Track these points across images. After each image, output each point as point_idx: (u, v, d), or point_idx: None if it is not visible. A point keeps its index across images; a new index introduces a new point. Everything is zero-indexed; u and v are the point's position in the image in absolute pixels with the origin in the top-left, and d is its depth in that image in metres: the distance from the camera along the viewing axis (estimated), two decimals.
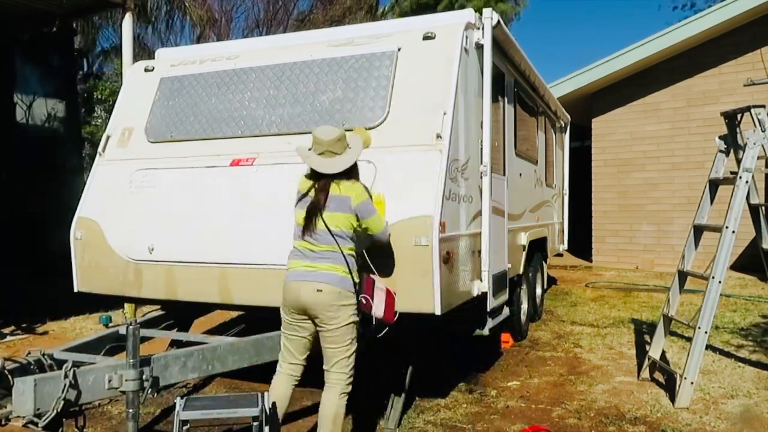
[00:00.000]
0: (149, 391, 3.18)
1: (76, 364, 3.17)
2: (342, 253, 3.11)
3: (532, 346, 5.91)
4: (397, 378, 4.02)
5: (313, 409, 4.24)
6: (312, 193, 3.14)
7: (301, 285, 3.10)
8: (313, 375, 4.73)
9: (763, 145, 4.38)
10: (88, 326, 6.84)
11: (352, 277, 3.14)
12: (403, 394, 3.97)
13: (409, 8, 21.79)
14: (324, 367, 3.19)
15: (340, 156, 3.15)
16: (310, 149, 3.21)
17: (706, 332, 4.22)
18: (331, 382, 3.16)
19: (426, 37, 4.00)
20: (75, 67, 10.97)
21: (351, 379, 3.19)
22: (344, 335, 3.13)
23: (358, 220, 3.16)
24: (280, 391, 3.25)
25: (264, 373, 4.11)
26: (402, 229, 3.53)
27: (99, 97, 8.97)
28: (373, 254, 3.56)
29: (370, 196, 3.24)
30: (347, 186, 3.14)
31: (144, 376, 3.09)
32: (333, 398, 3.14)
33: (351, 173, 3.20)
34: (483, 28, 4.21)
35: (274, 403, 3.05)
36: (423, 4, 21.29)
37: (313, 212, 3.10)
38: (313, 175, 3.19)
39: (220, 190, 4.13)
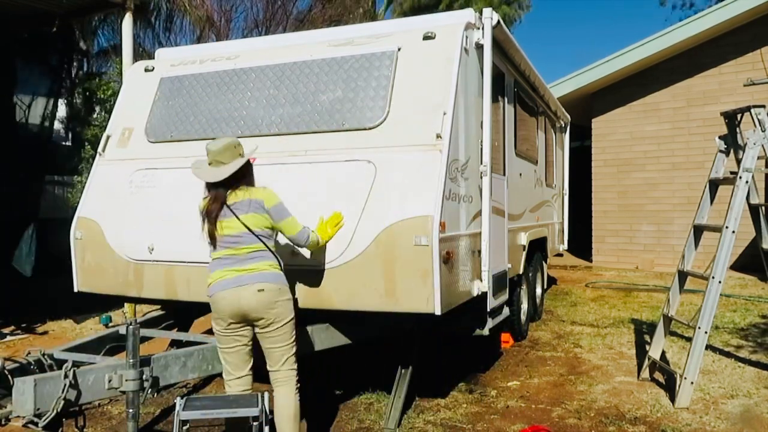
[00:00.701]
0: (149, 391, 3.18)
1: (76, 364, 3.17)
2: (269, 249, 3.15)
3: (532, 346, 5.91)
4: (397, 378, 4.02)
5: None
6: (211, 205, 3.13)
7: (239, 290, 3.06)
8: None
9: (763, 145, 4.38)
10: (88, 326, 6.85)
11: (283, 272, 3.19)
12: (403, 394, 3.97)
13: (410, 8, 21.81)
14: (271, 368, 3.18)
15: (226, 165, 3.14)
16: (208, 162, 3.22)
17: (706, 332, 4.22)
18: (282, 381, 3.16)
19: (426, 37, 4.00)
20: (75, 67, 10.98)
21: (297, 373, 3.21)
22: (289, 331, 3.16)
23: (272, 222, 3.19)
24: None
25: (264, 373, 4.10)
26: (402, 229, 3.53)
27: (101, 96, 8.96)
28: (372, 254, 3.57)
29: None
30: (255, 190, 3.18)
31: (144, 376, 3.10)
32: (290, 396, 3.14)
33: (244, 180, 3.19)
34: (483, 28, 4.21)
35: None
36: (424, 4, 21.31)
37: (220, 218, 3.09)
38: (211, 189, 3.19)
39: None
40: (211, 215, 3.12)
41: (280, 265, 3.20)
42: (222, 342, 3.19)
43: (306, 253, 3.63)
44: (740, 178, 4.38)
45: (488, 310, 4.32)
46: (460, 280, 3.88)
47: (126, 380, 3.04)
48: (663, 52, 10.73)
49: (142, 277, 4.26)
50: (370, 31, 4.42)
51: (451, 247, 3.70)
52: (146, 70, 4.89)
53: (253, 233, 3.12)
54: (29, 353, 3.50)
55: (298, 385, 3.20)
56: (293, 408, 3.14)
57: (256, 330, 3.16)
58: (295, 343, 3.21)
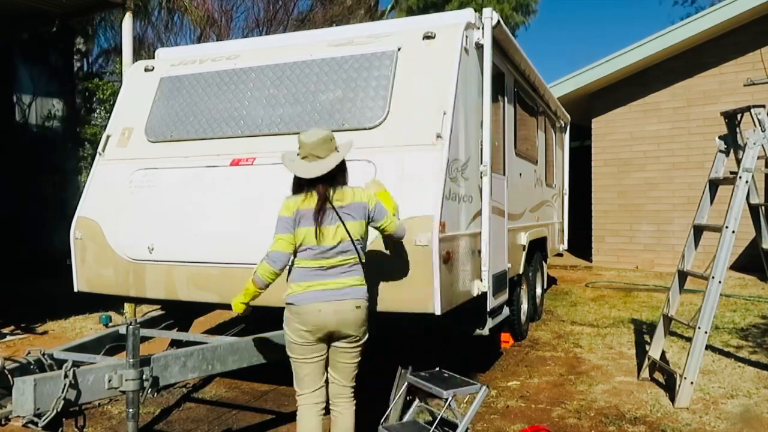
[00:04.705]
0: (149, 391, 3.17)
1: (76, 364, 3.16)
2: (361, 261, 3.03)
3: (532, 346, 5.90)
4: (397, 378, 4.01)
5: None
6: (316, 206, 2.91)
7: (340, 304, 2.92)
8: None
9: (763, 145, 4.38)
10: (88, 326, 6.84)
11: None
12: (403, 394, 3.96)
13: (415, 6, 21.75)
14: (340, 383, 3.11)
15: (323, 160, 2.94)
16: (297, 154, 3.03)
17: (706, 332, 4.22)
18: (347, 397, 3.13)
19: (426, 37, 4.00)
20: (74, 67, 10.98)
21: None
22: (364, 348, 3.13)
23: (371, 225, 3.09)
24: (310, 426, 3.06)
25: (264, 373, 4.11)
26: None
27: (101, 96, 8.99)
28: (372, 254, 3.56)
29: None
30: (358, 192, 3.02)
31: (144, 376, 3.09)
32: (352, 412, 3.15)
33: (343, 177, 3.03)
34: (483, 28, 4.21)
35: None
36: (429, 3, 21.26)
37: (332, 223, 2.91)
38: (306, 186, 2.96)
39: (220, 189, 4.13)
40: (319, 217, 2.89)
41: (365, 279, 3.08)
42: (301, 353, 3.02)
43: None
44: (740, 178, 4.38)
45: (488, 310, 4.32)
46: (460, 280, 3.88)
47: (126, 380, 3.03)
48: (663, 51, 10.73)
49: (142, 277, 4.26)
50: (370, 31, 4.42)
51: (451, 247, 3.70)
52: (146, 70, 4.90)
53: (353, 243, 2.96)
54: (29, 353, 3.49)
55: (354, 400, 3.19)
56: (352, 423, 3.15)
57: (336, 344, 3.03)
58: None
